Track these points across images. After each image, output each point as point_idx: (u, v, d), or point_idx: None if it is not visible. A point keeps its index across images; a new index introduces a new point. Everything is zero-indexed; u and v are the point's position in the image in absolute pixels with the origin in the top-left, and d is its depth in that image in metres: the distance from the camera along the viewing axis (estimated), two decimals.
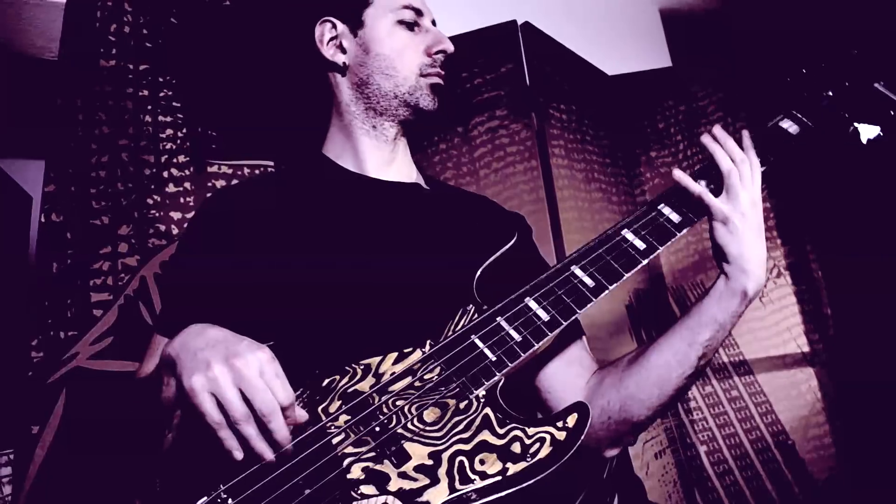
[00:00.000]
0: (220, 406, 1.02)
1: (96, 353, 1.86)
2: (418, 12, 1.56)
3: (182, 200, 2.07)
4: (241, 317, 1.31)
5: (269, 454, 1.04)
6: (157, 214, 2.02)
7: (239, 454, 1.03)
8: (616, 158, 2.98)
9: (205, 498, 1.05)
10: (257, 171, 2.21)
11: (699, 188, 1.34)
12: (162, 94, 2.13)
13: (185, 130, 2.14)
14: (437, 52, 1.54)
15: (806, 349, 2.75)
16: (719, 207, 1.32)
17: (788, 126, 1.49)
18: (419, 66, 1.52)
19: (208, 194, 2.12)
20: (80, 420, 1.81)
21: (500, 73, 2.71)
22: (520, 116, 2.64)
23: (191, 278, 1.40)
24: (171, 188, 2.06)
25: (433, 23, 1.61)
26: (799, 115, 1.50)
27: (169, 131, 2.11)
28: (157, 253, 1.99)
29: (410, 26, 1.55)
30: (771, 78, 2.88)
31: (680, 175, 1.37)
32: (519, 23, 2.72)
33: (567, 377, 1.47)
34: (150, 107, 2.10)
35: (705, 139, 1.40)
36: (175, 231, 2.03)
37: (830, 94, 1.50)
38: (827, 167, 2.66)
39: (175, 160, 2.09)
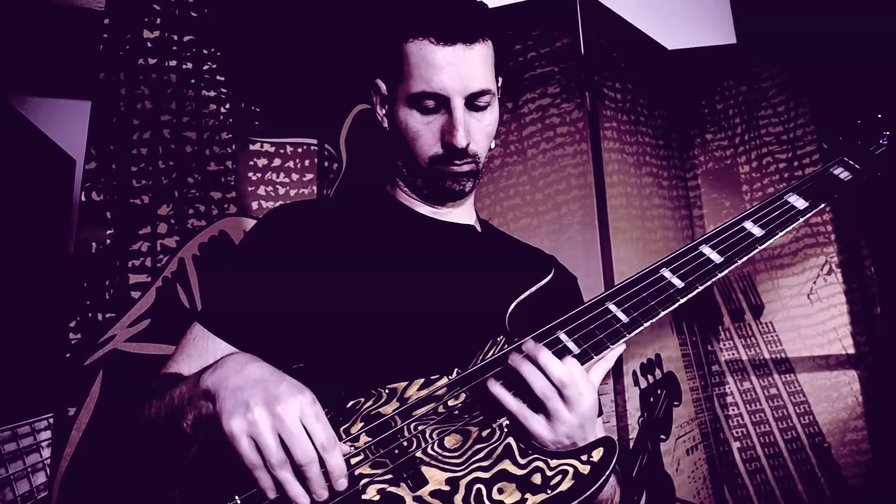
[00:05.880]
0: (259, 449, 1.03)
1: (133, 335, 1.89)
2: (442, 99, 1.39)
3: (223, 179, 2.07)
4: (279, 332, 1.33)
5: (304, 500, 1.04)
6: (197, 194, 2.02)
7: (272, 494, 1.04)
8: (669, 140, 2.88)
9: None
10: (300, 150, 2.19)
11: (517, 405, 1.19)
12: (206, 68, 2.11)
13: (228, 106, 2.12)
14: (447, 143, 1.41)
15: (851, 351, 2.67)
16: (539, 434, 1.18)
17: (840, 173, 1.50)
18: (430, 157, 1.43)
19: (249, 174, 2.12)
20: (117, 402, 1.85)
21: (555, 47, 2.62)
22: (572, 95, 2.56)
23: (242, 285, 1.41)
24: (212, 166, 2.06)
25: (473, 97, 1.41)
26: (851, 163, 1.51)
27: (212, 106, 2.10)
28: (197, 234, 1.99)
29: (428, 111, 1.41)
30: (844, 69, 2.74)
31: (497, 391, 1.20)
32: None
33: None
34: (193, 80, 2.09)
35: (512, 361, 1.20)
36: (215, 211, 2.04)
37: (885, 141, 1.54)
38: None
39: (217, 137, 2.09)
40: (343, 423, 1.20)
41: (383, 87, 1.47)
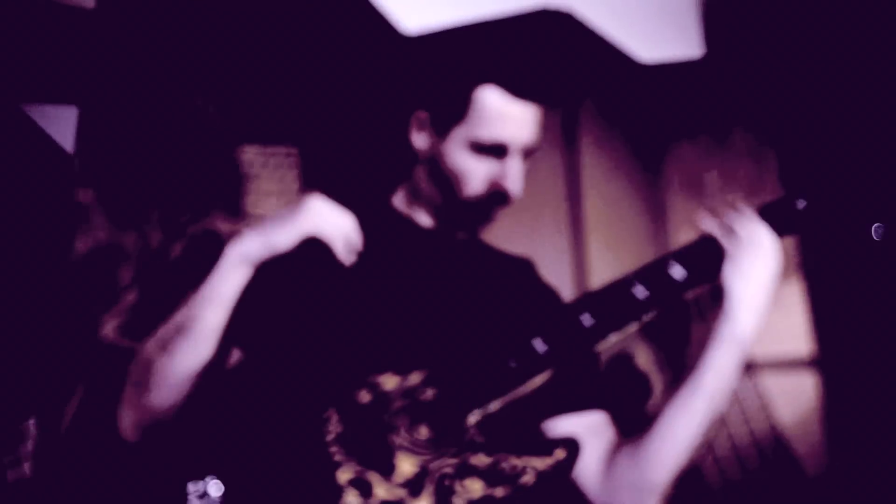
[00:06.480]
0: None
1: (121, 329, 1.97)
2: (503, 148, 1.43)
3: (210, 181, 2.15)
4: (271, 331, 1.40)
5: None
6: (184, 195, 2.10)
7: None
8: (643, 151, 2.99)
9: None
10: (284, 155, 2.28)
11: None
12: (197, 74, 2.19)
13: (216, 110, 2.20)
14: (495, 190, 1.45)
15: (810, 352, 2.80)
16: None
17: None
18: (475, 195, 1.46)
19: (236, 176, 2.20)
20: (102, 395, 1.93)
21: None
22: (549, 107, 2.65)
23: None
24: (200, 169, 2.14)
25: (527, 152, 1.48)
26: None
27: (202, 111, 2.18)
28: (184, 234, 2.07)
29: (484, 156, 1.44)
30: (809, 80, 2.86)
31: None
32: (553, 9, 2.71)
33: (590, 450, 1.44)
34: (185, 87, 2.17)
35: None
36: (202, 212, 2.12)
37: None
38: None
39: (205, 141, 2.17)
40: (318, 411, 1.26)
41: (428, 119, 1.50)
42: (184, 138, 2.19)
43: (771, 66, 2.98)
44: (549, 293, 1.69)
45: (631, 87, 3.01)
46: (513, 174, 1.44)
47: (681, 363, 2.85)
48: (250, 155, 2.26)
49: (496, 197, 1.46)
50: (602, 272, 2.65)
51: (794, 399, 2.77)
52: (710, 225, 1.37)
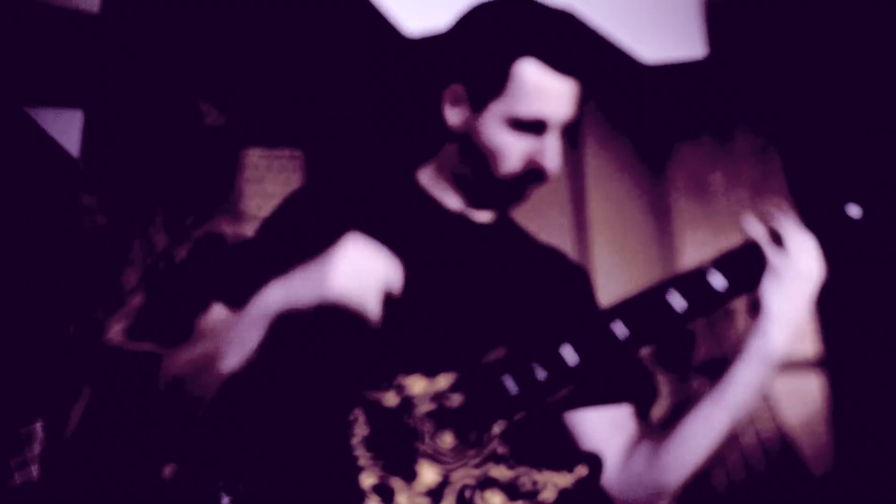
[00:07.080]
0: None
1: (125, 332, 1.96)
2: (542, 124, 1.38)
3: (215, 184, 2.14)
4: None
5: None
6: (190, 198, 2.10)
7: None
8: (647, 151, 3.00)
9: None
10: (289, 158, 2.27)
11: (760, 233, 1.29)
12: (202, 77, 2.19)
13: (221, 114, 2.20)
14: (533, 167, 1.40)
15: (817, 352, 2.81)
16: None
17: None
18: (510, 171, 1.41)
19: (240, 179, 2.20)
20: (108, 398, 1.93)
21: None
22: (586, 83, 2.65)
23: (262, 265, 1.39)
24: (204, 172, 2.14)
25: (565, 130, 1.42)
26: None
27: (206, 115, 2.17)
28: (188, 236, 2.07)
29: (522, 132, 1.39)
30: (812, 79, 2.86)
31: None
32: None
33: (610, 443, 1.46)
34: (189, 91, 2.16)
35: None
36: (206, 215, 2.11)
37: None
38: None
39: (210, 144, 2.16)
40: (343, 412, 1.25)
41: (464, 94, 1.44)
42: (188, 142, 2.18)
43: (774, 66, 2.99)
44: (581, 290, 1.64)
45: (634, 87, 3.01)
46: (551, 151, 1.40)
47: (686, 367, 2.86)
48: (255, 158, 2.25)
49: (533, 174, 1.41)
50: (606, 273, 2.65)
51: (801, 400, 2.78)
52: (755, 231, 1.30)
